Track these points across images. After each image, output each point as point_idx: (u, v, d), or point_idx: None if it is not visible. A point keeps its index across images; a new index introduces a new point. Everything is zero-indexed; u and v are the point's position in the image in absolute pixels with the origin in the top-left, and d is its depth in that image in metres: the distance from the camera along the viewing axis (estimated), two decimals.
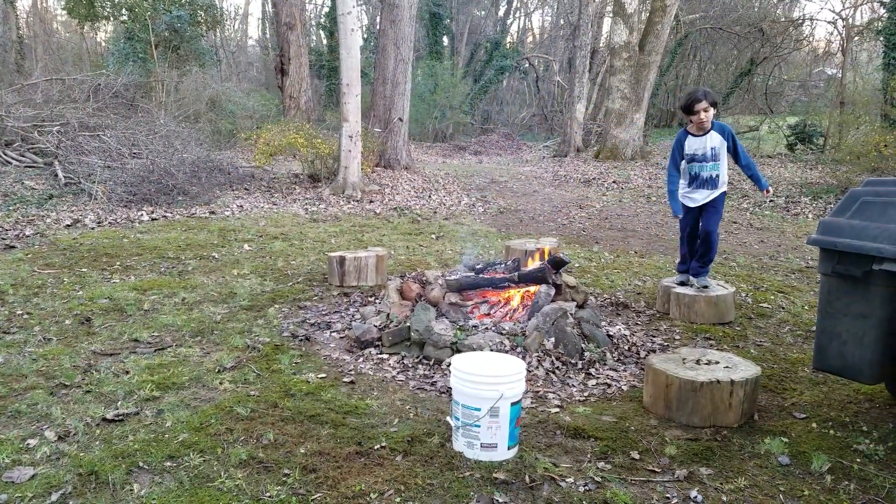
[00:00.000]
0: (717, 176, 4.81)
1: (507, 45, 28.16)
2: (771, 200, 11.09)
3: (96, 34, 23.80)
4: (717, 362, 3.41)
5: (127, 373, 3.65)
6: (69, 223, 7.83)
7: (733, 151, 4.82)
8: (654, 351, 4.27)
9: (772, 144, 18.22)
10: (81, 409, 3.18)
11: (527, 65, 27.75)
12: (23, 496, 2.46)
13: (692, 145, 4.80)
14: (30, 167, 9.75)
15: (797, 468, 2.83)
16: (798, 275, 6.57)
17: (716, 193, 4.85)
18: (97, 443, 2.87)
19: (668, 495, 2.59)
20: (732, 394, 3.14)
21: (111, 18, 18.75)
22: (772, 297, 5.64)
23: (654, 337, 4.58)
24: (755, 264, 6.98)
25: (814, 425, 3.23)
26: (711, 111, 4.67)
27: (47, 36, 22.76)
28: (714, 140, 4.75)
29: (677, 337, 4.61)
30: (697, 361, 3.41)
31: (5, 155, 9.76)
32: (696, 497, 2.58)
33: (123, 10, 17.36)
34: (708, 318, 4.87)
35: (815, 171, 13.84)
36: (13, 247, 6.67)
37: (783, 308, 5.36)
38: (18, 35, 19.93)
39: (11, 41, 18.17)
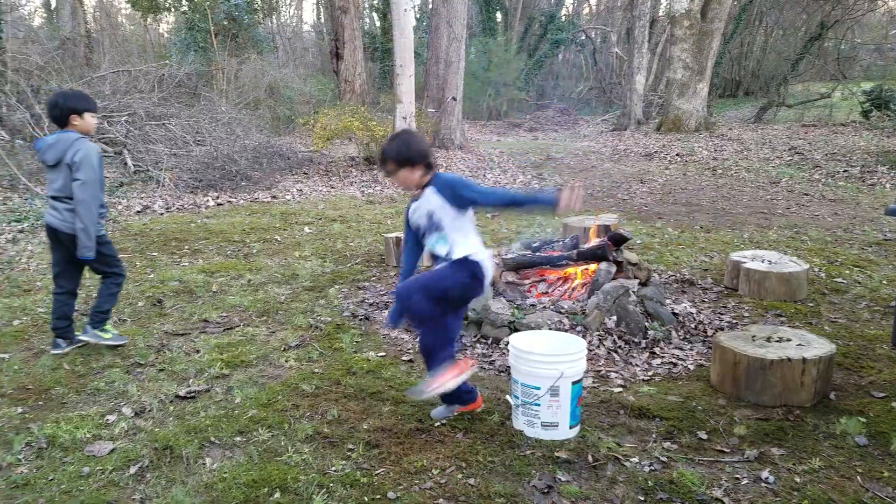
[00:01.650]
0: (448, 254, 2.81)
1: (563, 17, 27.52)
2: (845, 171, 10.53)
3: (159, 26, 24.55)
4: (790, 340, 3.28)
5: (197, 352, 3.80)
6: (139, 209, 8.15)
7: (463, 202, 2.78)
8: (721, 329, 4.14)
9: (845, 112, 17.31)
10: (156, 387, 3.33)
11: (583, 37, 27.09)
12: (104, 469, 2.59)
13: (414, 211, 2.94)
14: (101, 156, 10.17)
15: (876, 449, 2.70)
16: (875, 248, 6.24)
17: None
18: (171, 419, 3.00)
19: (737, 476, 2.52)
20: (804, 372, 3.01)
21: (172, 10, 19.28)
22: (847, 272, 5.37)
23: (722, 314, 4.44)
24: (829, 238, 6.66)
25: (893, 404, 3.07)
26: (404, 172, 2.82)
27: (113, 29, 23.59)
28: (432, 201, 2.81)
29: (746, 314, 4.45)
30: (768, 339, 3.29)
31: None
32: (767, 478, 2.49)
33: (184, 1, 17.81)
34: (779, 294, 4.69)
35: (893, 138, 13.07)
36: None
37: (859, 283, 5.10)
38: (86, 30, 20.74)
39: (80, 35, 18.91)
